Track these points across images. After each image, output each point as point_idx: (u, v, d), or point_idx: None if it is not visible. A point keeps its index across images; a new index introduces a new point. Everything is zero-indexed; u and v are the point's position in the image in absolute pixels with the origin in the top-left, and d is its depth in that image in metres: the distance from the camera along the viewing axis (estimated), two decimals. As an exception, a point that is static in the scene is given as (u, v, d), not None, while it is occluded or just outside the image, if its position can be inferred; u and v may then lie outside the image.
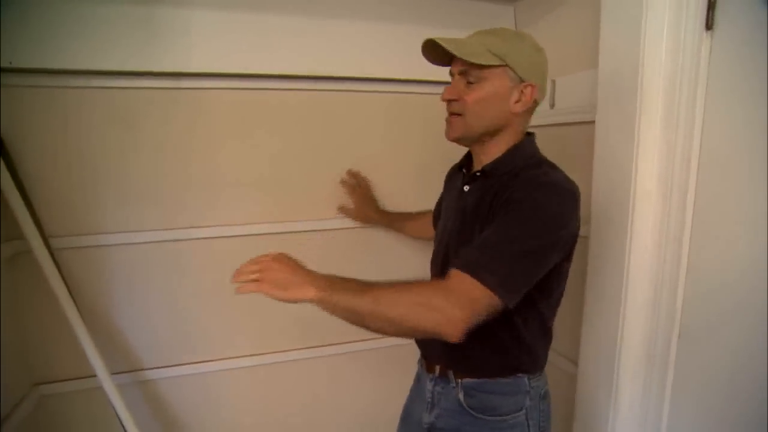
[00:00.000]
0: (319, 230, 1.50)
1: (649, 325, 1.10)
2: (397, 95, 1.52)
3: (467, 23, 1.33)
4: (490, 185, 0.91)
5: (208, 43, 1.28)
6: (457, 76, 0.92)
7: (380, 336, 1.62)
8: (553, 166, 0.92)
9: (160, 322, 1.39)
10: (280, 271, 0.81)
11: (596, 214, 1.20)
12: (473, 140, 0.94)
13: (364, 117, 1.51)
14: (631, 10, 1.04)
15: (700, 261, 1.05)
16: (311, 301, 0.79)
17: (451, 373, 0.97)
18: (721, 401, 1.02)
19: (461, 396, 0.96)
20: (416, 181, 1.56)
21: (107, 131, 1.27)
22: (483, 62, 0.86)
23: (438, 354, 1.01)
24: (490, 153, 0.93)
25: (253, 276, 0.81)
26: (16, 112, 1.18)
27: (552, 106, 1.40)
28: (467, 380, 0.96)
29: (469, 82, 0.89)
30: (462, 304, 0.74)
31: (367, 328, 0.78)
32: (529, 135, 0.96)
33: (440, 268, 1.00)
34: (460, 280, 0.76)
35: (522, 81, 0.87)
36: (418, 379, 1.09)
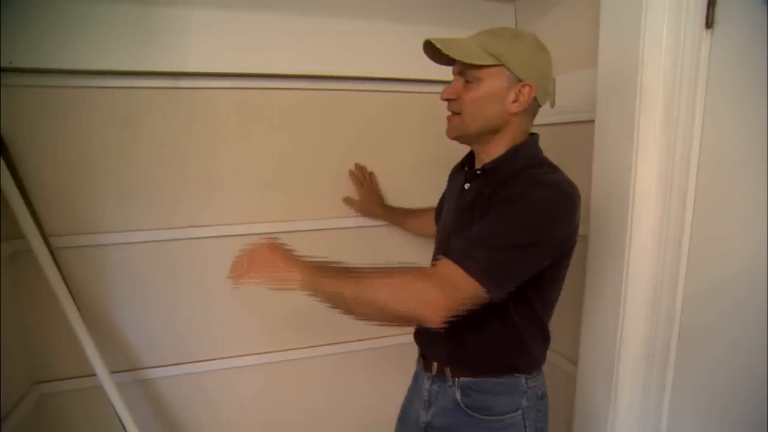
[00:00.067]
0: (319, 229, 1.50)
1: (648, 325, 1.10)
2: (398, 94, 1.52)
3: (468, 22, 1.33)
4: (489, 183, 0.91)
5: (207, 43, 1.28)
6: (456, 76, 0.93)
7: (380, 335, 1.62)
8: (555, 168, 0.91)
9: (159, 321, 1.40)
10: (267, 259, 0.83)
11: (596, 213, 1.19)
12: (472, 139, 0.95)
13: (364, 116, 1.50)
14: (631, 8, 1.04)
15: (699, 260, 1.04)
16: (297, 286, 0.80)
17: (448, 372, 0.97)
18: (721, 401, 1.02)
19: (458, 395, 0.96)
20: (417, 180, 1.56)
21: (107, 131, 1.27)
22: (477, 62, 0.86)
23: (436, 352, 1.01)
24: (490, 152, 0.94)
25: (243, 267, 0.82)
26: (16, 112, 1.18)
27: (552, 105, 1.39)
28: (464, 379, 0.96)
29: (467, 82, 0.89)
30: (445, 290, 0.75)
31: (352, 313, 0.79)
32: (533, 135, 0.96)
33: (436, 258, 1.01)
34: (445, 267, 0.77)
35: (519, 81, 0.87)
36: (416, 378, 1.09)
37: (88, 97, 1.24)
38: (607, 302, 1.16)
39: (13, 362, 1.21)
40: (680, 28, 0.99)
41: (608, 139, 1.14)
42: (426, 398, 1.02)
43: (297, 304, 1.53)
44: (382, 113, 1.52)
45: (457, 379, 0.96)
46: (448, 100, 0.93)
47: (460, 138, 0.94)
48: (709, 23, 0.97)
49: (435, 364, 1.00)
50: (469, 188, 0.96)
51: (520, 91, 0.87)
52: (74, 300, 1.20)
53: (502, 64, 0.86)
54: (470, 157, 1.03)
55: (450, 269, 0.77)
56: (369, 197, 1.47)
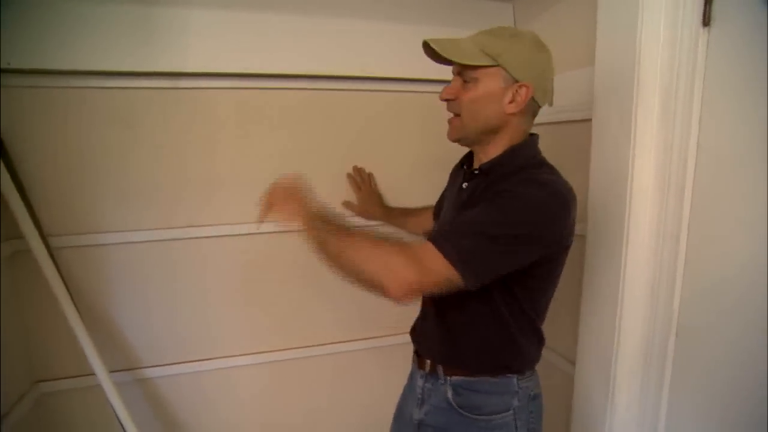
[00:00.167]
0: (318, 229, 1.50)
1: (646, 325, 1.10)
2: (398, 94, 1.52)
3: (467, 21, 1.33)
4: (485, 182, 0.91)
5: (207, 43, 1.29)
6: (455, 76, 0.93)
7: (381, 335, 1.63)
8: (552, 170, 0.91)
9: (159, 320, 1.40)
10: (282, 198, 0.93)
11: (593, 212, 1.19)
12: (472, 141, 0.95)
13: (364, 116, 1.51)
14: (628, 6, 1.04)
15: (697, 259, 1.04)
16: (298, 229, 0.87)
17: (441, 370, 0.98)
18: (720, 401, 1.01)
19: (450, 393, 0.96)
20: (417, 180, 1.56)
21: (106, 131, 1.27)
22: (473, 62, 0.86)
23: (429, 350, 1.01)
24: (489, 153, 0.93)
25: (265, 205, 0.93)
26: (15, 113, 1.19)
27: (550, 104, 1.39)
28: (456, 378, 0.96)
29: (465, 82, 0.89)
30: (417, 269, 0.77)
31: (332, 266, 0.83)
32: (532, 136, 0.95)
33: None
34: (424, 248, 0.79)
35: (516, 81, 0.86)
36: (411, 376, 1.10)
37: (87, 97, 1.24)
38: (604, 302, 1.16)
39: (13, 361, 1.22)
40: (677, 26, 0.98)
41: (605, 138, 1.13)
42: (419, 396, 1.02)
43: (296, 304, 1.54)
44: (382, 113, 1.52)
45: (449, 377, 0.96)
46: (446, 100, 0.93)
47: (460, 140, 0.95)
48: (706, 21, 0.97)
49: (428, 362, 1.00)
50: (466, 187, 0.96)
51: (517, 91, 0.87)
52: (73, 300, 1.21)
53: (498, 65, 0.86)
54: (469, 156, 1.03)
55: (428, 250, 0.78)
56: (368, 199, 1.48)
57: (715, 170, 0.99)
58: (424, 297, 1.05)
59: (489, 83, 0.87)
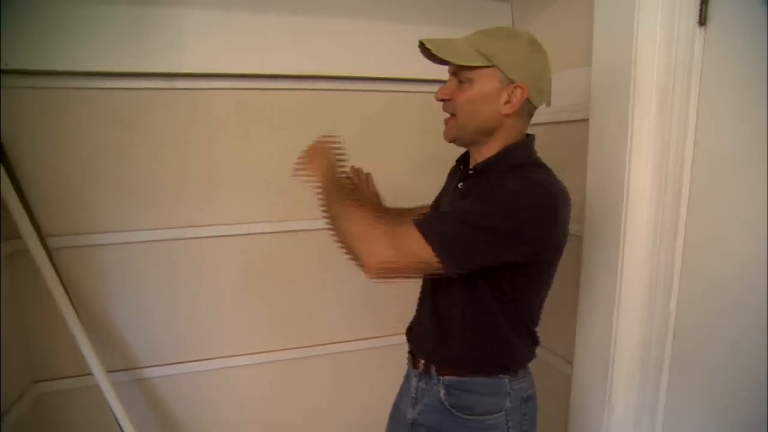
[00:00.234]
0: (317, 229, 1.50)
1: (643, 325, 1.10)
2: (397, 94, 1.52)
3: (466, 21, 1.33)
4: (480, 179, 0.92)
5: (206, 43, 1.29)
6: (450, 76, 0.93)
7: (380, 335, 1.63)
8: (547, 170, 0.91)
9: (158, 320, 1.41)
10: (314, 156, 0.98)
11: (590, 212, 1.19)
12: (468, 141, 0.95)
13: (364, 116, 1.51)
14: (624, 6, 1.04)
15: (695, 259, 1.04)
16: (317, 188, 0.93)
17: (433, 370, 0.98)
18: (718, 401, 1.01)
19: (442, 393, 0.96)
20: (416, 180, 1.55)
21: (105, 131, 1.28)
22: (468, 63, 0.86)
23: (422, 348, 1.02)
24: (483, 153, 0.93)
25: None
26: (14, 113, 1.20)
27: (548, 104, 1.39)
28: (448, 378, 0.96)
29: (461, 82, 0.89)
30: (395, 248, 0.78)
31: (329, 227, 0.87)
32: (528, 136, 0.95)
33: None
34: (408, 231, 0.80)
35: (511, 82, 0.86)
36: (406, 376, 1.10)
37: (86, 98, 1.25)
38: (601, 302, 1.16)
39: (13, 360, 1.23)
40: (673, 26, 0.98)
41: (602, 138, 1.13)
42: (413, 396, 1.02)
43: (296, 304, 1.54)
44: (381, 113, 1.52)
45: (442, 377, 0.96)
46: (442, 100, 0.93)
47: (456, 140, 0.95)
48: (703, 20, 0.96)
49: (422, 361, 1.00)
50: (461, 187, 0.96)
51: (512, 92, 0.86)
52: (71, 300, 1.21)
53: (494, 65, 0.86)
54: (466, 156, 1.03)
55: (411, 233, 0.79)
56: (366, 199, 1.47)
57: (713, 170, 0.99)
58: (420, 297, 1.06)
59: (484, 84, 0.87)
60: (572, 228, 1.25)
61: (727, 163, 0.96)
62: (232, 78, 1.35)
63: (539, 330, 1.37)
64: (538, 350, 1.47)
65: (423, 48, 0.88)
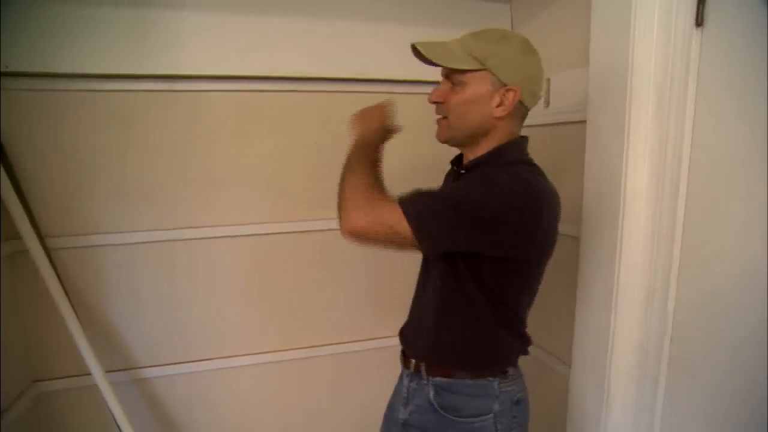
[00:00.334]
0: (316, 230, 1.51)
1: (640, 326, 1.09)
2: (396, 95, 1.51)
3: (465, 22, 1.33)
4: (469, 174, 0.93)
5: (204, 45, 1.30)
6: (443, 79, 0.93)
7: (380, 336, 1.63)
8: (537, 170, 0.91)
9: (156, 321, 1.41)
10: (363, 117, 1.03)
11: (587, 214, 1.19)
12: (461, 142, 0.95)
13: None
14: (621, 7, 1.03)
15: (692, 261, 1.03)
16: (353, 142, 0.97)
17: (424, 370, 0.98)
18: (716, 403, 1.01)
19: (431, 394, 0.96)
20: (413, 180, 1.52)
21: (104, 133, 1.29)
22: (460, 66, 0.87)
23: (413, 348, 1.02)
24: (476, 154, 0.94)
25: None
26: (14, 115, 1.20)
27: (547, 105, 1.39)
28: (438, 379, 0.96)
29: (454, 85, 0.90)
30: (372, 216, 0.81)
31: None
32: (521, 138, 0.95)
33: (424, 261, 1.03)
34: (390, 202, 0.82)
35: (504, 85, 0.86)
36: (400, 376, 1.10)
37: (86, 99, 1.26)
38: (598, 303, 1.16)
39: (12, 360, 1.23)
40: (670, 27, 0.98)
41: (600, 140, 1.13)
42: (405, 395, 1.03)
43: (296, 305, 1.55)
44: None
45: (431, 378, 0.97)
46: (435, 103, 0.94)
47: (449, 141, 0.95)
48: (699, 21, 0.96)
49: (413, 361, 1.01)
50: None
51: (504, 95, 0.86)
52: (70, 300, 1.22)
53: (486, 69, 0.86)
54: (460, 157, 1.03)
55: (391, 205, 0.81)
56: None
57: (710, 171, 0.99)
58: (413, 298, 1.06)
59: (477, 87, 0.87)
60: (570, 229, 1.26)
61: (724, 163, 0.96)
62: (231, 80, 1.36)
63: (538, 330, 1.37)
64: (536, 351, 1.49)
65: (416, 51, 0.88)
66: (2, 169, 1.14)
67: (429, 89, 1.45)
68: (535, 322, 1.47)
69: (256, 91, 1.39)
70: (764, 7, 0.85)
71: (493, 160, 0.90)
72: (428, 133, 1.41)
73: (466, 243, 0.82)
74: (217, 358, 1.49)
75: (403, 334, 1.08)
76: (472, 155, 0.94)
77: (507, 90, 0.86)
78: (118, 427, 1.26)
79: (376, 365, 1.63)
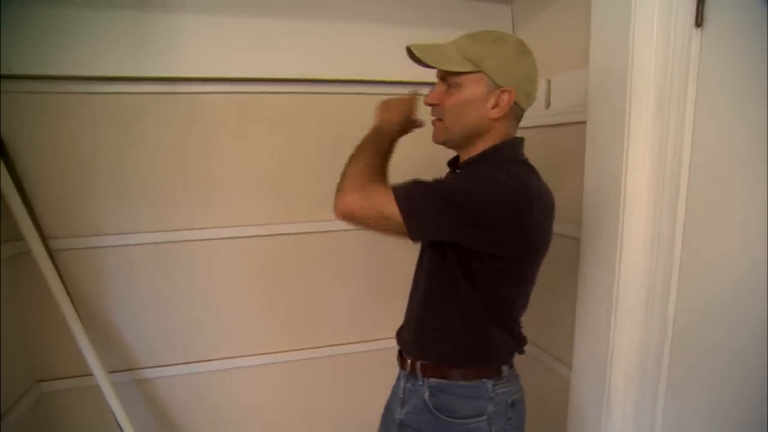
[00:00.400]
0: (315, 232, 1.51)
1: (641, 329, 1.08)
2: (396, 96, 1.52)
3: (465, 23, 1.32)
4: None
5: (203, 47, 1.30)
6: (439, 81, 0.93)
7: (380, 338, 1.63)
8: (532, 170, 0.91)
9: (157, 322, 1.42)
10: (387, 106, 1.04)
11: (587, 215, 1.18)
12: (457, 144, 0.95)
13: (361, 119, 1.50)
14: (620, 6, 1.03)
15: (693, 262, 1.03)
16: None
17: (419, 371, 0.98)
18: (716, 405, 1.00)
19: (426, 395, 0.97)
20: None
21: (104, 135, 1.29)
22: (455, 69, 0.87)
23: (409, 348, 1.03)
24: (472, 155, 0.94)
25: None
26: (16, 118, 1.21)
27: (548, 106, 1.38)
28: (433, 380, 0.96)
29: (449, 87, 0.90)
30: (363, 198, 0.83)
31: None
32: (516, 138, 0.95)
33: (419, 259, 1.03)
34: (384, 186, 0.85)
35: (499, 86, 0.87)
36: (397, 377, 1.10)
37: (86, 101, 1.27)
38: (598, 305, 1.15)
39: (14, 361, 1.24)
40: (670, 26, 0.97)
41: (599, 141, 1.12)
42: (401, 396, 1.03)
43: (297, 306, 1.55)
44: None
45: (426, 379, 0.97)
46: (430, 105, 0.94)
47: (445, 143, 0.96)
48: (699, 21, 0.95)
49: (409, 361, 1.01)
50: None
51: (499, 96, 0.87)
52: (72, 301, 1.23)
53: (481, 71, 0.86)
54: (457, 159, 1.03)
55: (384, 188, 0.83)
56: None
57: (711, 172, 0.98)
58: (409, 297, 1.06)
59: (472, 89, 0.88)
60: (570, 230, 1.25)
61: (725, 164, 0.95)
62: (230, 81, 1.36)
63: (540, 332, 1.37)
64: (538, 353, 1.48)
65: (411, 53, 0.89)
66: (5, 170, 1.15)
67: (427, 90, 1.46)
68: (536, 323, 1.47)
69: (255, 93, 1.40)
70: (764, 6, 0.85)
71: (486, 159, 0.90)
72: (428, 133, 1.42)
73: (454, 233, 0.83)
74: (217, 359, 1.49)
75: (399, 334, 1.08)
76: (467, 156, 0.95)
77: (502, 91, 0.87)
78: (120, 427, 1.26)
79: (377, 366, 1.63)
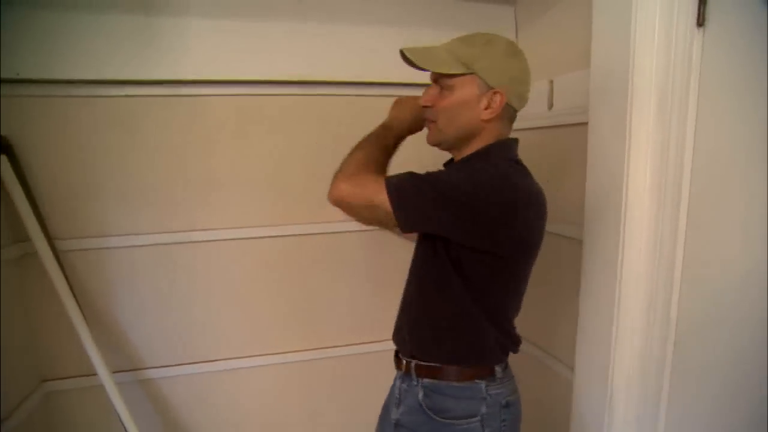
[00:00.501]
0: (316, 233, 1.52)
1: (643, 331, 1.07)
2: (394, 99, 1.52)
3: (467, 24, 1.32)
4: None
5: (204, 50, 1.31)
6: (432, 83, 0.94)
7: (381, 339, 1.63)
8: (523, 170, 0.92)
9: (161, 322, 1.43)
10: (399, 105, 1.06)
11: (589, 217, 1.17)
12: (451, 146, 0.96)
13: (360, 120, 1.50)
14: (621, 6, 1.02)
15: (695, 265, 1.02)
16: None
17: (414, 371, 0.99)
18: (719, 407, 0.99)
19: (421, 395, 0.97)
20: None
21: (108, 137, 1.31)
22: (447, 71, 0.88)
23: (404, 347, 1.03)
24: (464, 156, 0.95)
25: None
26: (22, 121, 1.23)
27: (550, 107, 1.38)
28: (427, 380, 0.97)
29: (442, 89, 0.91)
30: (355, 186, 0.85)
31: None
32: (509, 139, 0.95)
33: (413, 257, 1.04)
34: (377, 175, 0.87)
35: (491, 88, 0.87)
36: (394, 377, 1.10)
37: (90, 105, 1.28)
38: (600, 308, 1.14)
39: (21, 360, 1.27)
40: (672, 26, 0.96)
41: (601, 142, 1.11)
42: (397, 396, 1.04)
43: (298, 307, 1.55)
44: (378, 116, 1.52)
45: (421, 379, 0.98)
46: (424, 106, 0.95)
47: (439, 145, 0.97)
48: (701, 21, 0.95)
49: (404, 362, 1.02)
50: None
51: (491, 98, 0.88)
52: (77, 301, 1.24)
53: (473, 72, 0.87)
54: (452, 160, 1.04)
55: (376, 177, 0.85)
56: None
57: (713, 173, 0.97)
58: (403, 296, 1.06)
59: (464, 91, 0.89)
60: (572, 232, 1.25)
61: (727, 165, 0.94)
62: (231, 83, 1.37)
63: (543, 333, 1.37)
64: (541, 354, 1.47)
65: (404, 56, 0.90)
66: (12, 172, 1.17)
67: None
68: (538, 324, 1.47)
69: (255, 94, 1.41)
70: (765, 6, 0.84)
71: (478, 158, 0.91)
72: (426, 134, 1.42)
73: (441, 225, 0.83)
74: (219, 359, 1.50)
75: (395, 335, 1.08)
76: (460, 157, 0.96)
77: (494, 93, 0.88)
78: (123, 425, 1.28)
79: (378, 367, 1.63)
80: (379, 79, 1.46)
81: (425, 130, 1.00)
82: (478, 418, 0.92)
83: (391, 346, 1.11)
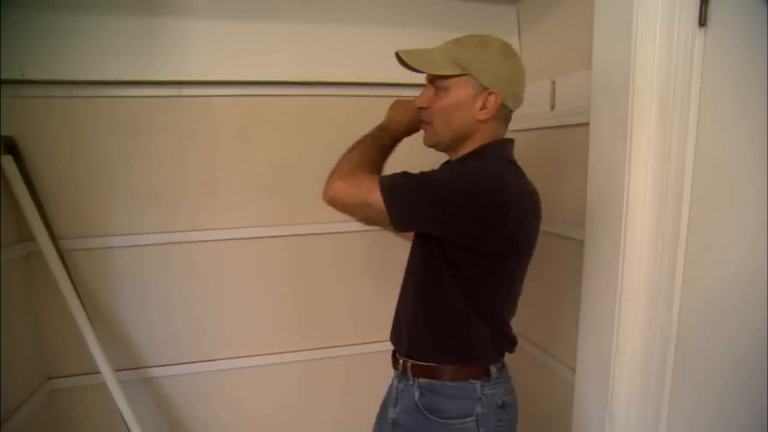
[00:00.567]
0: (318, 233, 1.52)
1: (644, 334, 1.07)
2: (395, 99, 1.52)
3: (469, 25, 1.32)
4: None
5: (208, 51, 1.32)
6: (428, 85, 0.95)
7: (382, 339, 1.63)
8: (517, 170, 0.92)
9: (164, 321, 1.44)
10: (395, 106, 1.06)
11: (591, 218, 1.17)
12: (447, 147, 0.97)
13: (363, 121, 1.51)
14: (623, 6, 1.01)
15: (697, 266, 1.01)
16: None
17: (410, 371, 0.99)
18: (720, 410, 0.99)
19: (416, 395, 0.97)
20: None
21: (112, 138, 1.32)
22: (443, 72, 0.89)
23: (401, 347, 1.04)
24: (459, 156, 0.96)
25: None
26: (28, 122, 1.25)
27: (552, 107, 1.38)
28: (423, 380, 0.97)
29: (437, 90, 0.92)
30: (350, 185, 0.85)
31: None
32: (504, 139, 0.96)
33: (410, 256, 1.04)
34: (371, 174, 0.87)
35: (486, 89, 0.88)
36: (393, 376, 1.11)
37: (94, 105, 1.30)
38: (602, 309, 1.14)
39: (26, 357, 1.28)
40: (673, 27, 0.96)
41: (602, 142, 1.11)
42: (394, 396, 1.04)
43: (299, 307, 1.56)
44: (380, 117, 1.52)
45: (416, 379, 0.98)
46: (420, 108, 0.96)
47: (435, 146, 0.98)
48: (703, 21, 0.94)
49: (401, 361, 1.02)
50: None
51: (486, 98, 0.88)
52: (81, 300, 1.26)
53: (468, 73, 0.88)
54: (448, 161, 1.04)
55: (370, 177, 0.86)
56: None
57: (714, 174, 0.97)
58: (399, 295, 1.07)
59: (460, 92, 0.89)
60: (574, 232, 1.25)
61: (728, 166, 0.94)
62: (234, 84, 1.38)
63: (545, 334, 1.36)
64: (542, 355, 1.47)
65: (399, 59, 0.91)
66: (18, 172, 1.19)
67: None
68: (540, 325, 1.46)
69: (258, 95, 1.41)
70: (764, 6, 0.83)
71: (472, 157, 0.92)
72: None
73: (434, 223, 0.84)
74: (221, 359, 1.51)
75: (392, 334, 1.10)
76: (456, 157, 0.96)
77: (489, 93, 0.88)
78: (126, 423, 1.29)
79: (377, 367, 1.63)
80: (382, 80, 1.46)
81: (422, 132, 1.00)
82: (473, 417, 0.93)
83: (391, 347, 1.11)
